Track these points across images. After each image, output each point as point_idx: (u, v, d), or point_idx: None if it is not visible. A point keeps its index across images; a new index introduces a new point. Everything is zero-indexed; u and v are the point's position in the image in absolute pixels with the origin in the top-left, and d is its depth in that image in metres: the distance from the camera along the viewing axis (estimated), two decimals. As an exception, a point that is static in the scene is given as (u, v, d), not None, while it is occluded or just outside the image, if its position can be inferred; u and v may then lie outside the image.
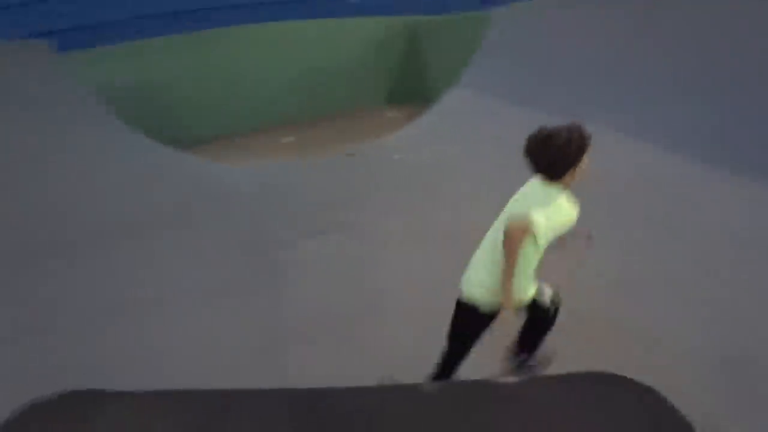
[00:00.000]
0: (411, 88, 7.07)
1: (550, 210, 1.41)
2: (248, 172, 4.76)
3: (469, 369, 1.73)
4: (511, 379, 1.58)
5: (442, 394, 1.41)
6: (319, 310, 2.56)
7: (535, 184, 1.51)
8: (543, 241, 1.43)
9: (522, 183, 1.57)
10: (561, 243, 1.59)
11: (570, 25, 5.27)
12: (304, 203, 3.96)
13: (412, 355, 1.98)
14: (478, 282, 1.57)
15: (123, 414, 1.32)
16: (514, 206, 1.54)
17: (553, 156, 1.39)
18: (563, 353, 1.89)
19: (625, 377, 1.37)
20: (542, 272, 1.59)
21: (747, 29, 3.59)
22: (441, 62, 6.77)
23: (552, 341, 1.82)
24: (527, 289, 1.60)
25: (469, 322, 1.63)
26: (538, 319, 1.75)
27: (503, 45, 6.11)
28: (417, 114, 6.16)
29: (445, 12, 6.88)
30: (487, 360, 1.85)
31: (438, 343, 1.71)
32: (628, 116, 4.07)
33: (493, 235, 1.55)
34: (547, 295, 1.70)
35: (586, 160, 1.43)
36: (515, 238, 1.36)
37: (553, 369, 1.82)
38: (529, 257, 1.47)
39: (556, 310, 1.75)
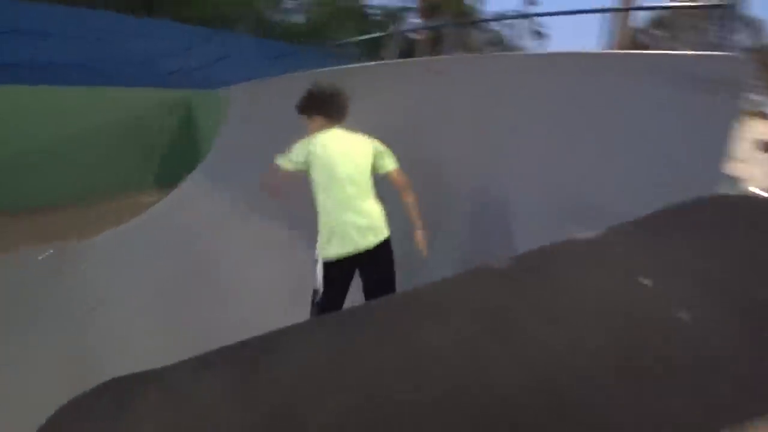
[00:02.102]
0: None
1: None
2: None
3: None
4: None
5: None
6: None
7: (344, 131, 1.79)
8: None
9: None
10: None
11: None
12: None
13: None
14: (382, 219, 1.75)
15: (163, 391, 0.93)
16: (363, 148, 1.76)
17: (345, 103, 1.83)
18: None
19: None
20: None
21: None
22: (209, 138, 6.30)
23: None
24: None
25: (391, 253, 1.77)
26: None
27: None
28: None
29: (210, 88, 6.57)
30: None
31: None
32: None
33: (361, 177, 1.71)
34: None
35: None
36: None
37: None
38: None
39: None
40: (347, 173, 1.67)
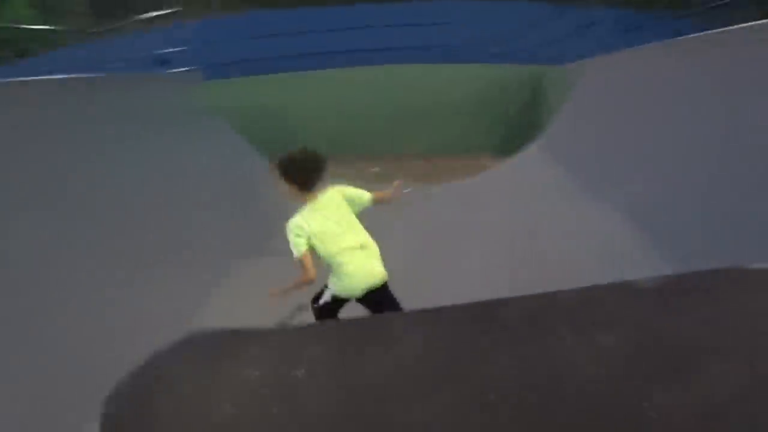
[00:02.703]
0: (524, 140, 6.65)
1: None
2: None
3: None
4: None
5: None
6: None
7: (319, 198, 1.92)
8: None
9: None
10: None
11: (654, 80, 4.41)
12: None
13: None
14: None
15: (267, 348, 1.30)
16: (341, 205, 1.95)
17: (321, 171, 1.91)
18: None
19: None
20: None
21: None
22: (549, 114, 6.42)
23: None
24: None
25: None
26: None
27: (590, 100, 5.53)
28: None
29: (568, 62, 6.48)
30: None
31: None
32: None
33: (357, 227, 1.94)
34: None
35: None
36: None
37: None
38: None
39: None
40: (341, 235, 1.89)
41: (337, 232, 1.87)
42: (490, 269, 3.25)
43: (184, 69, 6.50)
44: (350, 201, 1.98)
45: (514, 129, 7.31)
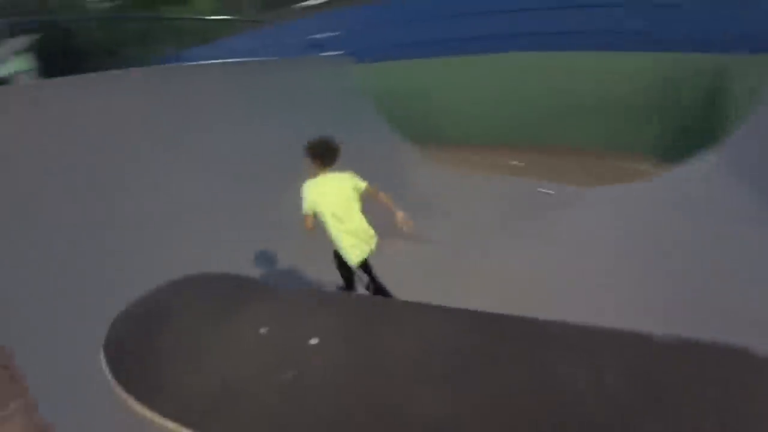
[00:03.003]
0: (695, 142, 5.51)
1: None
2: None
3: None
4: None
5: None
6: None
7: (333, 174, 2.36)
8: None
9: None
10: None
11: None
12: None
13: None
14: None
15: (270, 298, 1.77)
16: (345, 183, 2.34)
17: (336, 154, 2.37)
18: None
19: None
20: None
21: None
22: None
23: None
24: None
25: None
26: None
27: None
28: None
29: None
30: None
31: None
32: None
33: (350, 205, 2.33)
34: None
35: None
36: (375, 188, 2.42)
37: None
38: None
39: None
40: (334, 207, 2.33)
41: (331, 204, 2.32)
42: (636, 298, 2.74)
43: (336, 53, 6.89)
44: (354, 187, 2.37)
45: (687, 131, 6.08)
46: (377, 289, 2.55)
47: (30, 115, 3.35)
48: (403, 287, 2.59)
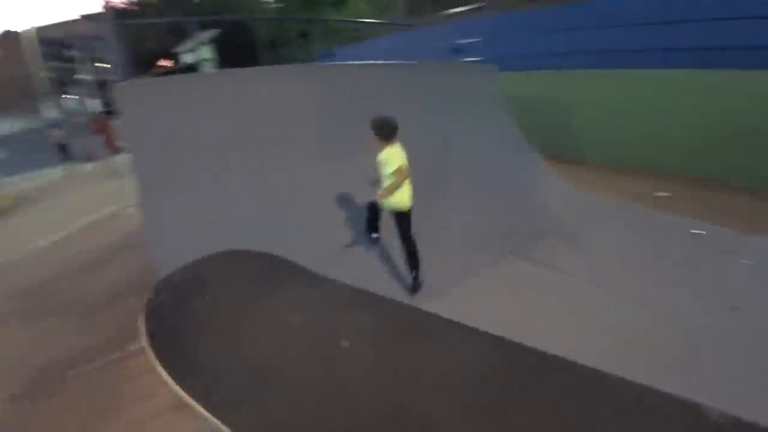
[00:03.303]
0: None
1: None
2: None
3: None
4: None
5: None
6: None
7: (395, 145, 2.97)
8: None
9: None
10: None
11: None
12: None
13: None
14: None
15: (305, 279, 1.88)
16: (404, 153, 2.99)
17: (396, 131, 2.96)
18: None
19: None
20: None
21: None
22: None
23: None
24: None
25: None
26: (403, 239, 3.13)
27: None
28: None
29: None
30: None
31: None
32: None
33: (407, 169, 2.99)
34: None
35: None
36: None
37: None
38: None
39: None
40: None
41: (405, 164, 2.95)
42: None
43: (475, 59, 7.14)
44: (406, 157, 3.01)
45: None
46: (408, 245, 3.14)
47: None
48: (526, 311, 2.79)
